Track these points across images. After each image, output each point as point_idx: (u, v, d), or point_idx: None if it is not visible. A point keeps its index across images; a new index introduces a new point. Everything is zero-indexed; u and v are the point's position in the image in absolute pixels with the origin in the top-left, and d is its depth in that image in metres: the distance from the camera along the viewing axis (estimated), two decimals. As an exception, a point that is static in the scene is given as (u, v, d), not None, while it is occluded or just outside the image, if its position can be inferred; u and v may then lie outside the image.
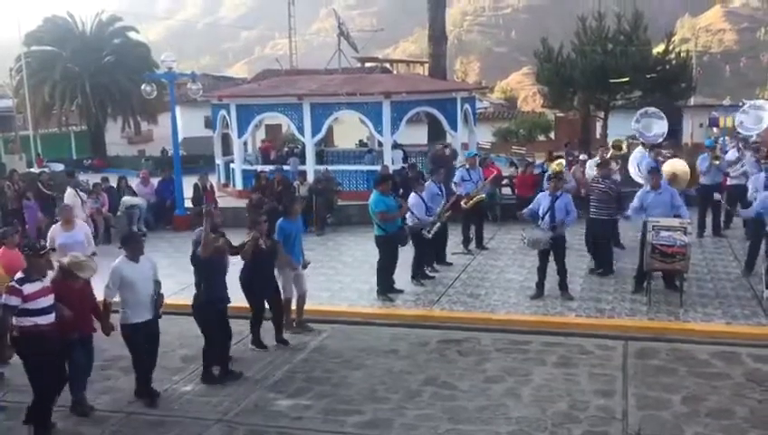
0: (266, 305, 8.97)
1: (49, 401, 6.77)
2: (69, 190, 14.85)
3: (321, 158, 19.94)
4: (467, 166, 13.58)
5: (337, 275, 12.06)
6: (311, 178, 17.44)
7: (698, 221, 13.38)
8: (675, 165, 12.51)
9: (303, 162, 18.82)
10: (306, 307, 9.68)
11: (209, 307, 7.82)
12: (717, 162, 13.40)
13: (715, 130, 28.38)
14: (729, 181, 13.61)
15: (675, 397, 7.10)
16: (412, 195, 11.31)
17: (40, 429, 6.71)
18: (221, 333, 7.94)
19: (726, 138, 22.80)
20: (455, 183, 13.35)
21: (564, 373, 7.80)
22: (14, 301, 6.45)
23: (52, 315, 6.66)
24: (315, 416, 7.02)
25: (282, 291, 9.16)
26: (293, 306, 9.47)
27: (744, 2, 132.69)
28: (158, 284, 7.51)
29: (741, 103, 22.79)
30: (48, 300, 6.64)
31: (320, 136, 18.64)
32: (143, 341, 7.39)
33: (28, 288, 6.53)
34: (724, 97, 53.53)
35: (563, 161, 14.98)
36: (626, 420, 6.67)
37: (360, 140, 26.01)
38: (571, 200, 10.53)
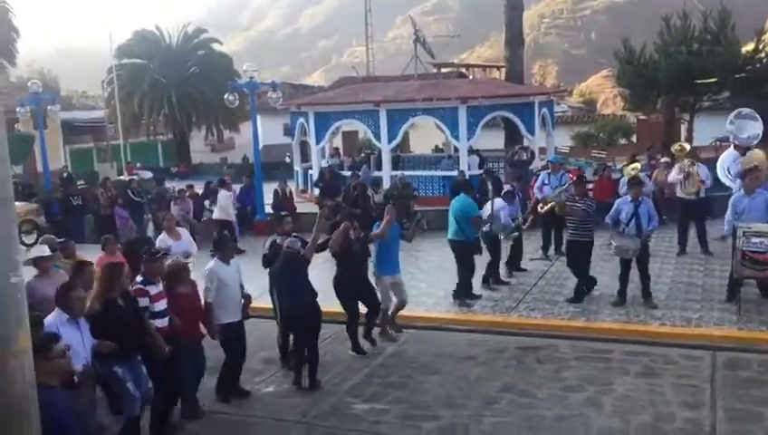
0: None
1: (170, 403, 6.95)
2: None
3: (397, 163, 20.05)
4: (549, 170, 13.41)
5: (413, 280, 12.07)
6: (386, 183, 17.55)
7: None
8: (753, 156, 11.94)
9: (379, 168, 18.96)
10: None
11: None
12: None
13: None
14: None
15: (766, 410, 6.78)
16: (498, 200, 11.23)
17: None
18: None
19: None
20: (537, 187, 13.23)
21: (648, 384, 7.57)
22: (144, 301, 6.64)
23: (167, 319, 6.79)
24: (392, 420, 7.06)
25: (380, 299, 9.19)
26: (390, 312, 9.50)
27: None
28: (242, 287, 7.73)
29: None
30: (163, 304, 6.79)
31: (396, 142, 18.74)
32: (235, 340, 7.61)
33: (152, 290, 6.75)
34: (820, 96, 50.70)
35: (639, 165, 14.54)
36: (714, 434, 6.42)
37: (436, 146, 25.99)
38: (653, 206, 10.23)
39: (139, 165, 31.92)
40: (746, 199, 9.86)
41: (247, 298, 7.72)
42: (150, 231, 16.02)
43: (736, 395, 7.16)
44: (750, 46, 23.35)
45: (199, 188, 17.93)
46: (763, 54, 22.90)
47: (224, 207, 15.66)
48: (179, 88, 33.58)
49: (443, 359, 8.64)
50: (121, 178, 24.71)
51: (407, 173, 18.33)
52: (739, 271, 9.36)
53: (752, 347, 8.41)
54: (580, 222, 10.22)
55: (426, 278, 12.17)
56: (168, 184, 20.57)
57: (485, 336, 9.38)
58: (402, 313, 9.96)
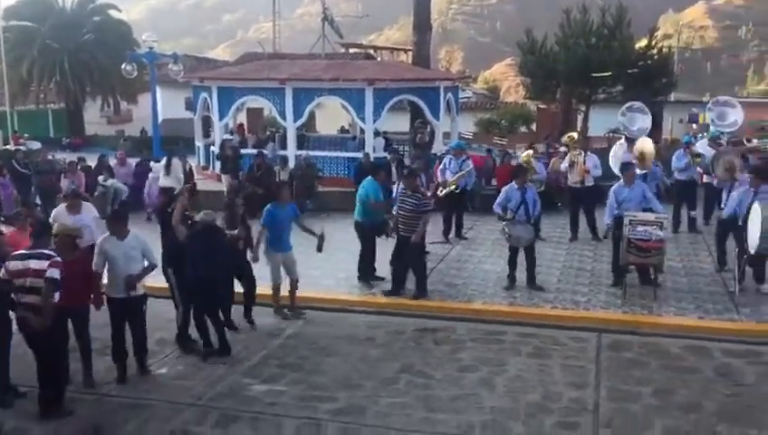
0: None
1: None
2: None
3: (302, 143, 19.86)
4: (452, 155, 13.63)
5: (315, 261, 12.00)
6: (291, 163, 17.36)
7: (673, 217, 13.51)
8: (644, 144, 12.63)
9: (284, 147, 18.73)
10: (282, 294, 9.65)
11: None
12: (699, 159, 13.46)
13: (694, 126, 28.67)
14: (706, 179, 13.71)
15: (645, 390, 7.19)
16: (397, 183, 11.31)
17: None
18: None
19: (705, 133, 23.04)
20: (441, 171, 13.43)
21: (538, 364, 7.87)
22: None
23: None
24: (289, 402, 7.03)
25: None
26: (285, 292, 9.50)
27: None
28: (150, 265, 7.58)
29: (706, 101, 22.88)
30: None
31: (301, 121, 18.54)
32: (120, 316, 7.45)
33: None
34: (704, 94, 54.01)
35: (531, 152, 15.05)
36: (597, 412, 6.75)
37: (342, 127, 25.90)
38: (536, 193, 10.64)
39: (26, 135, 30.10)
40: (626, 190, 10.38)
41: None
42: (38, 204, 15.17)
43: (619, 375, 7.55)
44: (643, 43, 24.48)
45: (92, 161, 17.13)
46: (655, 51, 24.08)
47: (178, 176, 15.38)
48: (73, 55, 31.86)
49: (342, 340, 8.67)
50: (7, 147, 23.24)
51: (312, 153, 18.18)
52: (625, 257, 9.86)
53: (634, 330, 8.89)
54: (408, 218, 9.97)
55: (328, 259, 12.10)
56: (60, 156, 19.55)
57: (385, 318, 9.48)
58: (302, 294, 9.91)
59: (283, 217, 9.37)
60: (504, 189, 10.68)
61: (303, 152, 18.08)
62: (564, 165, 13.50)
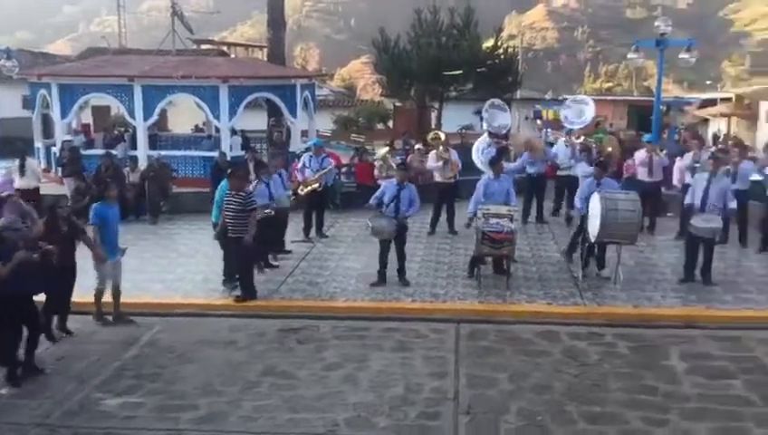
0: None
1: None
2: None
3: (154, 142, 19.04)
4: (312, 153, 13.58)
5: (171, 265, 11.59)
6: (143, 163, 16.60)
7: (523, 208, 14.23)
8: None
9: (134, 147, 17.88)
10: (137, 300, 9.29)
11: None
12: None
13: (539, 122, 30.40)
14: (559, 172, 14.56)
15: (501, 375, 7.51)
16: (255, 182, 11.10)
17: None
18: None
19: (550, 130, 24.48)
20: (299, 170, 13.34)
21: (401, 358, 8.02)
22: None
23: None
24: (147, 414, 6.72)
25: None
26: (109, 298, 9.07)
27: (564, 2, 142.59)
28: None
29: (562, 98, 24.42)
30: None
31: (152, 120, 17.80)
32: None
33: None
34: (546, 91, 57.46)
35: (387, 149, 15.33)
36: (457, 400, 6.98)
37: (196, 125, 25.12)
38: (416, 190, 10.80)
39: None
40: (495, 183, 10.84)
41: None
42: None
43: (477, 363, 7.85)
44: (490, 43, 25.59)
45: None
46: (501, 51, 25.23)
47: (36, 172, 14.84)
48: None
49: (201, 346, 8.40)
50: None
51: (164, 153, 17.48)
52: (479, 249, 10.26)
53: (490, 318, 9.27)
54: (236, 218, 9.56)
55: (185, 262, 11.73)
56: None
57: (247, 320, 9.28)
58: (158, 299, 9.52)
59: (112, 218, 9.02)
60: (383, 184, 10.85)
61: (156, 152, 17.35)
62: (432, 162, 13.87)
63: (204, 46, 34.54)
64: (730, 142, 18.54)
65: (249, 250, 9.68)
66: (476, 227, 10.26)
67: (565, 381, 7.37)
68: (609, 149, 15.56)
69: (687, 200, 10.92)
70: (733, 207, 10.75)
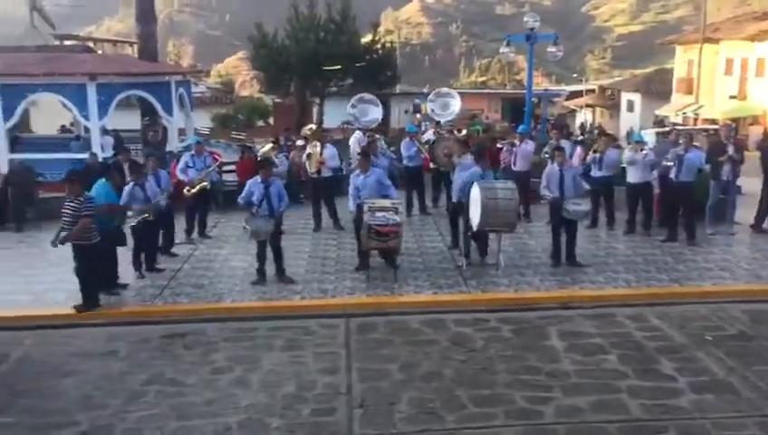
0: None
1: None
2: None
3: (15, 145, 17.83)
4: (193, 153, 13.14)
5: (40, 274, 10.90)
6: (4, 168, 15.51)
7: (406, 201, 14.43)
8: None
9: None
10: (3, 313, 8.61)
11: None
12: (426, 146, 14.59)
13: (418, 115, 30.96)
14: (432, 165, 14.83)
15: (392, 366, 7.59)
16: (131, 185, 10.61)
17: None
18: None
19: (428, 123, 25.01)
20: (181, 170, 12.85)
21: (291, 356, 7.93)
22: None
23: None
24: (21, 433, 6.28)
25: None
26: None
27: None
28: None
29: (427, 92, 24.93)
30: None
31: (13, 121, 16.66)
32: None
33: None
34: (424, 85, 58.61)
35: (271, 146, 15.13)
36: (350, 394, 6.98)
37: (63, 126, 23.77)
38: (283, 186, 10.68)
39: None
40: (362, 177, 10.88)
41: None
42: None
43: (368, 356, 7.89)
44: (368, 38, 25.83)
45: None
46: (379, 46, 25.52)
47: None
48: None
49: (79, 358, 7.96)
50: None
51: (28, 156, 16.39)
52: (366, 243, 10.31)
53: (379, 311, 9.34)
54: (71, 224, 9.19)
55: (55, 271, 11.04)
56: None
57: (126, 328, 8.88)
58: (27, 312, 8.95)
59: None
60: (248, 183, 10.57)
61: (18, 155, 16.24)
62: (304, 158, 13.76)
63: (68, 42, 32.66)
64: (596, 131, 19.66)
65: (88, 257, 9.22)
66: (364, 220, 10.28)
67: (454, 368, 7.54)
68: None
69: (545, 193, 11.16)
70: (586, 188, 11.66)
